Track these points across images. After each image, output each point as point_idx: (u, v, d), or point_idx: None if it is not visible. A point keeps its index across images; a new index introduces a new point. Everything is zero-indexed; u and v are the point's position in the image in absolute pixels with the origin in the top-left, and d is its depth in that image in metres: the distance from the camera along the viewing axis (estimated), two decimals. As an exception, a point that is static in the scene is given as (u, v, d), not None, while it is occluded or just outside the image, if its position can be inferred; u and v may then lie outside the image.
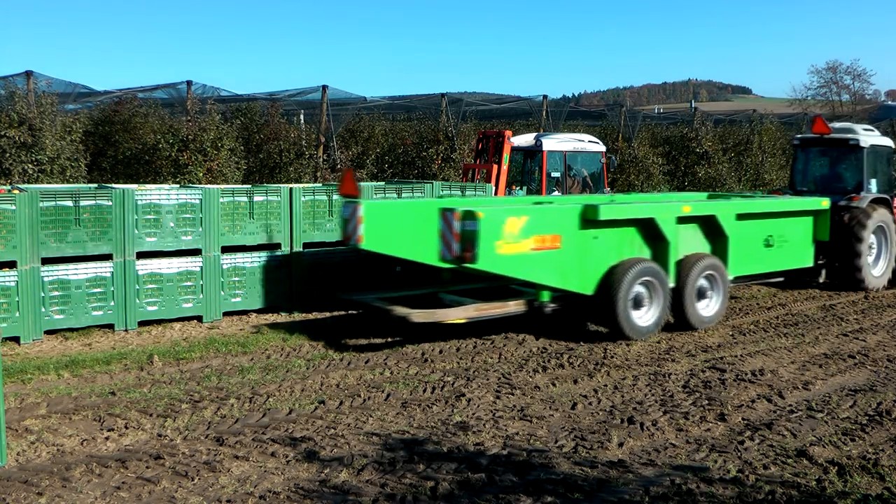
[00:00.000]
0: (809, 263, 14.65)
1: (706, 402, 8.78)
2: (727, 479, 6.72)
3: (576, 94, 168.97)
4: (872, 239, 15.93)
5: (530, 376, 9.69)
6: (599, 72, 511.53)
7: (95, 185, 13.93)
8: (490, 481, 6.56)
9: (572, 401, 8.72)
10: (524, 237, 10.61)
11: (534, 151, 16.83)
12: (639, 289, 11.58)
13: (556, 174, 16.75)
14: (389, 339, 11.28)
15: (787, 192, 16.82)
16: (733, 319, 13.24)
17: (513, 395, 8.94)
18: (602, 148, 17.55)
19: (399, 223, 11.28)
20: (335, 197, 13.10)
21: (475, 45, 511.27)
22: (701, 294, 12.44)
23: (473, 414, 8.27)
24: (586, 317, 12.42)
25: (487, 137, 16.78)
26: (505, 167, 15.99)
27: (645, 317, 11.74)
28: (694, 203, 12.79)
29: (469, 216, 10.26)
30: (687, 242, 12.45)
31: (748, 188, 37.16)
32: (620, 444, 7.47)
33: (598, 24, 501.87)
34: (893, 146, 17.26)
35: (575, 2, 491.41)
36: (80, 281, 11.07)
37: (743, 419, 8.24)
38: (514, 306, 11.33)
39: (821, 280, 15.91)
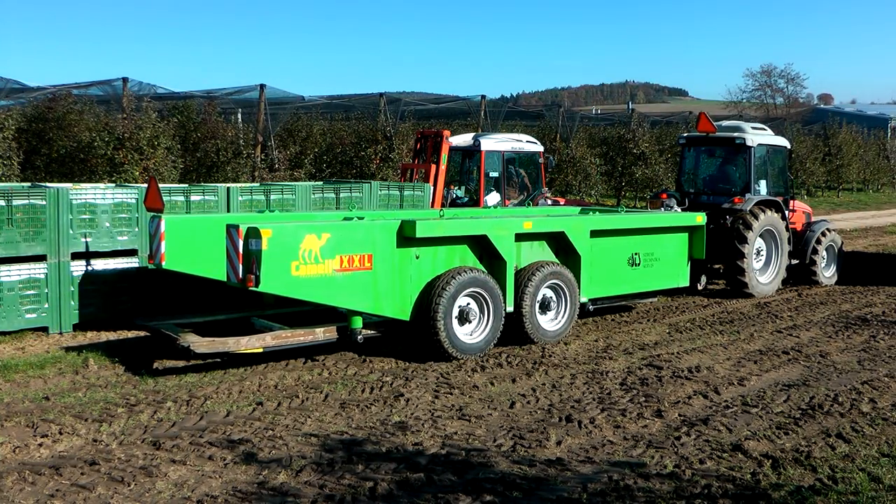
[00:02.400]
0: (685, 283, 13.66)
1: (643, 399, 8.88)
2: (664, 474, 6.81)
3: (514, 95, 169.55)
4: (760, 243, 15.49)
5: (469, 376, 9.72)
6: (538, 72, 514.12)
7: (29, 183, 13.64)
8: (429, 481, 6.57)
9: (511, 400, 8.77)
10: (327, 257, 9.47)
11: (472, 151, 16.87)
12: (465, 301, 10.55)
13: (494, 174, 16.80)
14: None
15: (672, 193, 16.16)
16: (670, 317, 13.42)
17: (451, 394, 8.96)
18: (540, 148, 17.64)
19: (205, 241, 10.51)
20: (273, 197, 13.03)
21: (414, 45, 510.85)
22: (545, 306, 11.51)
23: (412, 414, 8.28)
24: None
25: (426, 137, 16.79)
26: (443, 167, 16.00)
27: (474, 334, 10.71)
28: (536, 219, 11.88)
29: (253, 233, 9.08)
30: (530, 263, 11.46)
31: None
32: (559, 443, 7.53)
33: (537, 25, 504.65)
34: (789, 146, 16.85)
35: (513, 2, 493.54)
36: (12, 283, 10.85)
37: (679, 415, 8.36)
38: (322, 334, 9.98)
39: (700, 286, 15.46)
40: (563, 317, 11.61)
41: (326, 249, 9.44)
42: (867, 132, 54.24)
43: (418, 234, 10.02)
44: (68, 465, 6.79)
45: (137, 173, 18.65)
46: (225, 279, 9.69)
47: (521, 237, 11.23)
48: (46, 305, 11.11)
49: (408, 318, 10.33)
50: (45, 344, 10.75)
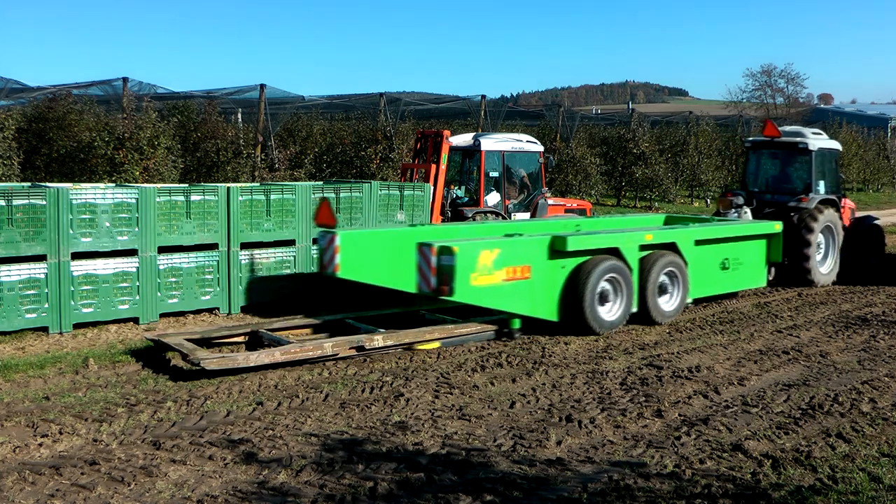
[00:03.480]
0: (763, 283, 15.20)
1: (643, 398, 8.88)
2: (664, 473, 6.81)
3: (514, 95, 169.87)
4: (821, 238, 16.52)
5: (469, 376, 9.72)
6: (538, 72, 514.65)
7: (29, 183, 13.64)
8: (429, 481, 6.57)
9: (511, 400, 8.77)
10: (497, 269, 10.98)
11: (472, 151, 16.86)
12: (604, 284, 12.08)
13: (494, 174, 16.79)
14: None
15: (738, 192, 17.30)
16: (670, 317, 13.41)
17: (451, 394, 8.96)
18: (540, 148, 17.62)
19: (375, 252, 11.90)
20: (273, 197, 13.04)
21: (414, 45, 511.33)
22: (662, 290, 13.00)
23: (412, 414, 8.28)
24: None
25: (426, 137, 16.77)
26: (443, 167, 15.99)
27: (611, 311, 12.26)
28: (656, 231, 13.38)
29: (446, 251, 10.60)
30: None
31: (685, 188, 37.73)
32: (559, 443, 7.53)
33: (537, 25, 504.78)
34: (840, 149, 17.93)
35: (513, 2, 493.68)
36: (12, 283, 10.84)
37: (679, 415, 8.36)
38: (331, 348, 10.16)
39: (770, 278, 16.14)
40: (676, 299, 13.19)
41: (497, 262, 11.00)
42: (867, 132, 54.21)
43: (568, 248, 11.61)
44: (68, 465, 6.78)
45: (137, 173, 18.66)
46: (396, 287, 11.74)
47: (643, 247, 12.76)
48: (46, 305, 11.11)
49: (556, 319, 11.85)
50: (45, 344, 10.75)
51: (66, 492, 6.29)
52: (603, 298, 12.10)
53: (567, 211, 17.80)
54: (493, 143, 16.73)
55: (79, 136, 19.46)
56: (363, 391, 9.04)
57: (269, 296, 13.12)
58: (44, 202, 11.04)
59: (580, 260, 11.92)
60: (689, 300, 13.57)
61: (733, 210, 16.57)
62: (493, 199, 16.60)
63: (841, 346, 11.56)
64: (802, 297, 15.56)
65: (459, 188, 17.17)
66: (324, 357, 10.16)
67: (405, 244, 11.67)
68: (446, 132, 16.38)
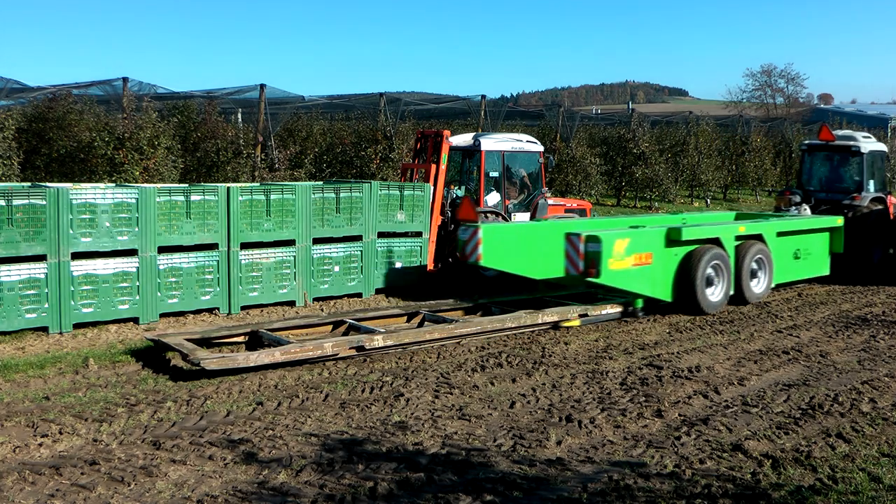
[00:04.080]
0: (826, 272, 16.77)
1: (643, 398, 8.88)
2: (664, 473, 6.81)
3: (514, 94, 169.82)
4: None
5: (469, 376, 9.72)
6: (538, 72, 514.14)
7: (29, 183, 13.63)
8: (429, 481, 6.57)
9: (511, 400, 8.77)
10: (627, 255, 12.73)
11: (472, 151, 16.82)
12: (710, 270, 13.89)
13: (494, 174, 16.75)
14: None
15: (795, 191, 19.08)
16: (670, 317, 13.42)
17: (451, 394, 8.96)
18: (540, 148, 17.54)
19: (510, 243, 13.54)
20: (273, 197, 13.05)
21: (414, 45, 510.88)
22: (753, 275, 14.86)
23: (412, 414, 8.28)
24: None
25: (426, 137, 16.72)
26: (443, 167, 15.94)
27: (714, 293, 14.02)
28: (747, 224, 15.23)
29: (593, 239, 12.33)
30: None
31: (685, 188, 37.72)
32: (559, 443, 7.53)
33: (537, 25, 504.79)
34: (886, 150, 19.83)
35: (513, 2, 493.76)
36: (12, 283, 10.85)
37: (679, 415, 8.36)
38: (331, 348, 10.21)
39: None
40: (763, 283, 15.03)
41: (628, 249, 12.72)
42: (867, 132, 54.22)
43: (682, 238, 13.40)
44: (68, 464, 6.78)
45: (137, 173, 18.65)
46: (527, 275, 13.77)
47: (738, 238, 14.58)
48: (46, 305, 11.11)
49: (670, 300, 13.66)
50: (45, 344, 10.75)
51: (66, 492, 6.29)
52: (709, 282, 13.83)
53: (567, 211, 17.78)
54: (493, 143, 16.68)
55: (79, 136, 19.45)
56: (363, 391, 9.04)
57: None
58: (44, 202, 11.05)
59: (689, 248, 13.69)
60: (773, 284, 15.23)
61: (793, 207, 18.46)
62: (492, 199, 16.56)
63: (841, 346, 11.57)
64: (802, 297, 15.58)
65: (459, 188, 17.14)
66: (324, 357, 10.16)
67: (536, 237, 13.75)
68: (446, 132, 16.34)
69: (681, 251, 13.62)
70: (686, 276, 13.54)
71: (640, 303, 13.35)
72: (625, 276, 12.83)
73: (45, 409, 8.19)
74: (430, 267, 15.50)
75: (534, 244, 13.67)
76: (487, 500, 6.23)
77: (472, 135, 17.43)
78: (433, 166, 15.79)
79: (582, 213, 18.10)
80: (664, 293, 13.51)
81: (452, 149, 16.52)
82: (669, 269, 13.53)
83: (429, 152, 16.13)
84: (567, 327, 12.50)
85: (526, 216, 17.01)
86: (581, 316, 12.71)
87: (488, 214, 16.08)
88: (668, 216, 17.46)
